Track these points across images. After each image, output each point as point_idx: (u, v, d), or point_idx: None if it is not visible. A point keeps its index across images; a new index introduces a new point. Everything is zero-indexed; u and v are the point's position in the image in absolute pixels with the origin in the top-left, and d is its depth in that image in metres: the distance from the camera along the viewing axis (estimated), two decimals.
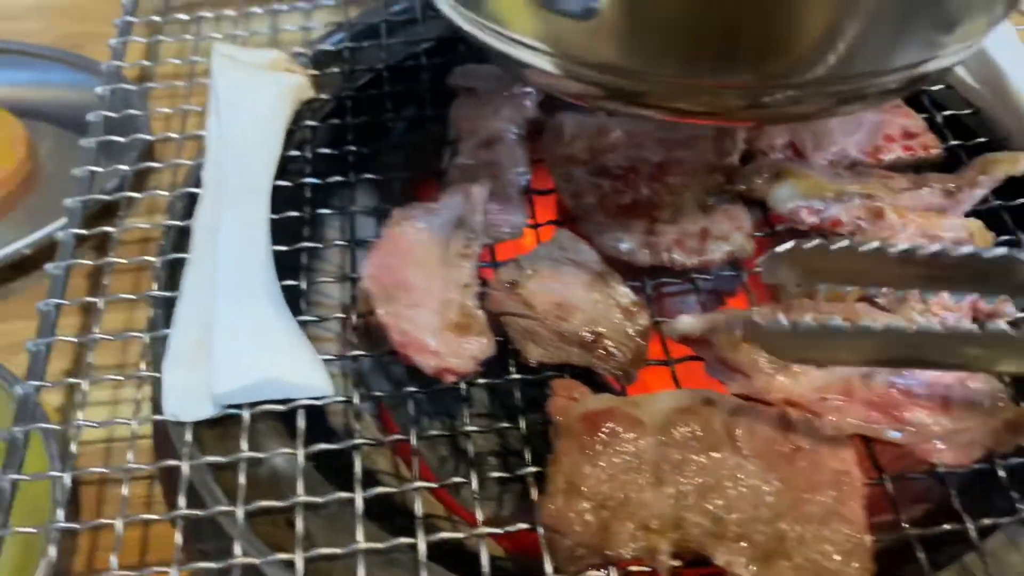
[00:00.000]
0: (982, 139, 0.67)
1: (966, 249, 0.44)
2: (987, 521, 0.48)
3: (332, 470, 0.54)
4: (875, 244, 0.45)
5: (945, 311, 0.54)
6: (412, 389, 0.54)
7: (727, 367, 0.51)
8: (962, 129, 0.68)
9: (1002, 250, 0.44)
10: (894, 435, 0.49)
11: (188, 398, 0.53)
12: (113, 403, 0.66)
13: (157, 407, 0.54)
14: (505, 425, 0.53)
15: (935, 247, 0.44)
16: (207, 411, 0.52)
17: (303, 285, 0.59)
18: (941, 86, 0.71)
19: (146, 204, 0.76)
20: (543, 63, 0.47)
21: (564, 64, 0.47)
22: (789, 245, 0.46)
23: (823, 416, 0.49)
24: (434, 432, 0.54)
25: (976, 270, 0.44)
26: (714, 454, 0.47)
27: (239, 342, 0.52)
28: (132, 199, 0.67)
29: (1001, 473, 0.49)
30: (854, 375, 0.50)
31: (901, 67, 0.47)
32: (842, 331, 0.45)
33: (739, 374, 0.51)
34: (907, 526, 0.48)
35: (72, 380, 0.56)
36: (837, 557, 0.45)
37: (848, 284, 0.47)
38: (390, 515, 0.54)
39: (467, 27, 0.51)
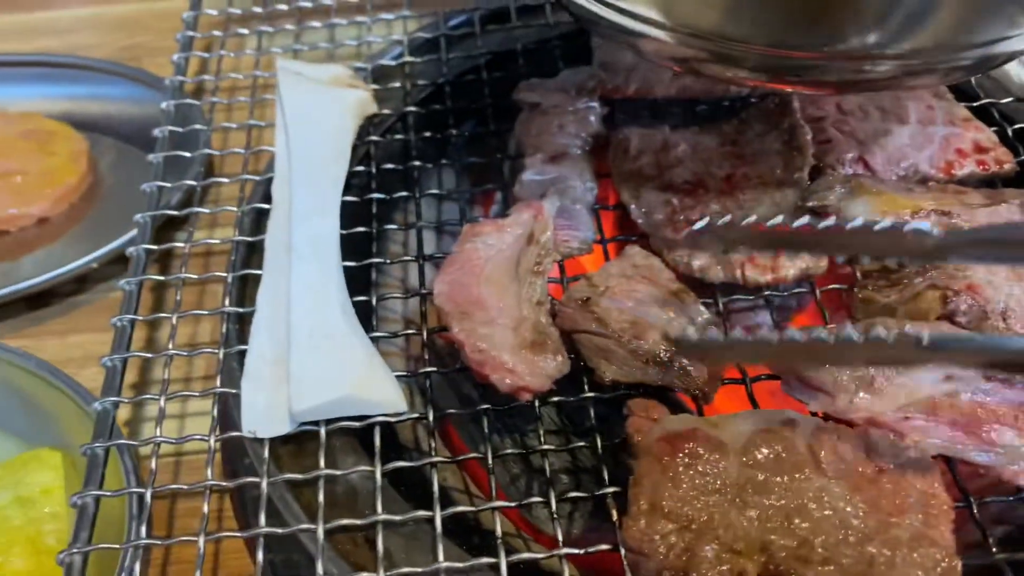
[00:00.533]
0: None
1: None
2: None
3: (405, 485, 0.54)
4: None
5: None
6: (486, 406, 0.54)
7: (808, 386, 0.51)
8: None
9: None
10: (982, 458, 0.48)
11: (266, 414, 0.53)
12: (180, 418, 0.67)
13: (227, 422, 0.55)
14: (580, 444, 0.53)
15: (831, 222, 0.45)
16: (285, 427, 0.52)
17: (373, 301, 0.59)
18: (1010, 99, 0.70)
19: (208, 219, 0.76)
20: (654, 31, 0.50)
21: (673, 32, 0.49)
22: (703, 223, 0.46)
23: (906, 436, 0.49)
24: (509, 450, 0.53)
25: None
26: (798, 476, 0.47)
27: (317, 359, 0.53)
28: (199, 214, 0.67)
29: None
30: (938, 392, 0.49)
31: (976, 44, 0.48)
32: (768, 343, 0.45)
33: (821, 392, 0.50)
34: (995, 549, 0.47)
35: (148, 396, 0.56)
36: None
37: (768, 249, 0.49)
38: (465, 533, 0.54)
39: (597, 9, 0.52)
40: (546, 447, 0.52)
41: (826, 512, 0.46)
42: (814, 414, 0.52)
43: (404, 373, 0.56)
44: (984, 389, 0.49)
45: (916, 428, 0.49)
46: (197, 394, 0.56)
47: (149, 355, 0.58)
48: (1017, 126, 0.68)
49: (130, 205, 0.69)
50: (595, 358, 0.54)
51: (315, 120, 0.66)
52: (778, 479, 0.47)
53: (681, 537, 0.46)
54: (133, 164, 0.83)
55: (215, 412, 0.55)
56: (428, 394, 0.55)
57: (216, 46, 0.81)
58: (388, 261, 0.62)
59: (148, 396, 0.56)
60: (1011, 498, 0.49)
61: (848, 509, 0.46)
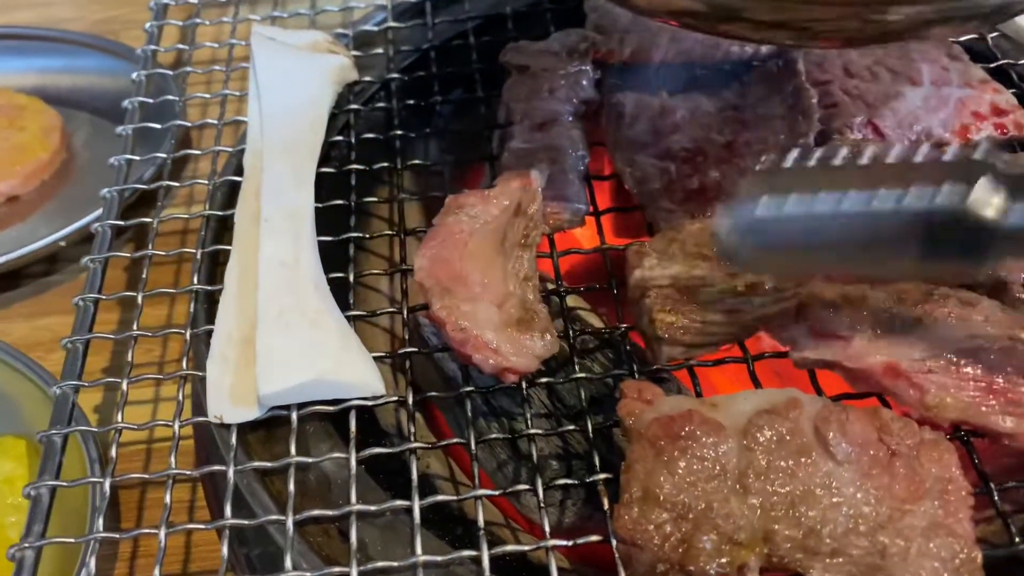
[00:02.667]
0: None
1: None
2: None
3: (384, 473, 0.51)
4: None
5: None
6: (469, 389, 0.50)
7: (820, 335, 0.47)
8: None
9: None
10: (1006, 424, 0.44)
11: (233, 399, 0.49)
12: (154, 403, 0.64)
13: (199, 408, 0.52)
14: (570, 428, 0.49)
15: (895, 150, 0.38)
16: (253, 412, 0.49)
17: (351, 278, 0.55)
18: None
19: (185, 193, 0.73)
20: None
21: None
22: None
23: (926, 393, 0.45)
24: (494, 435, 0.50)
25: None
26: (804, 460, 0.43)
27: (286, 339, 0.49)
28: (171, 188, 0.64)
29: None
30: (965, 346, 0.46)
31: None
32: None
33: (835, 339, 0.47)
34: (1019, 540, 0.43)
35: (110, 379, 0.52)
36: (945, 574, 0.40)
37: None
38: (447, 522, 0.51)
39: None
40: (533, 431, 0.48)
41: (834, 499, 0.42)
42: (820, 393, 0.49)
43: (383, 354, 0.52)
44: (1007, 348, 0.45)
45: (938, 383, 0.45)
46: (162, 377, 0.53)
47: (112, 336, 0.55)
48: None
49: (105, 182, 0.65)
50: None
51: (290, 88, 0.62)
52: (782, 463, 0.43)
53: (677, 527, 0.42)
54: (109, 140, 0.79)
55: (180, 396, 0.51)
56: (408, 376, 0.51)
57: (191, 14, 0.77)
58: (367, 236, 0.58)
59: (109, 380, 0.52)
60: None
61: (858, 495, 0.43)
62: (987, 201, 0.35)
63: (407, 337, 0.53)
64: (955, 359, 0.46)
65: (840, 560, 0.41)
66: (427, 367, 0.60)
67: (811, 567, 0.41)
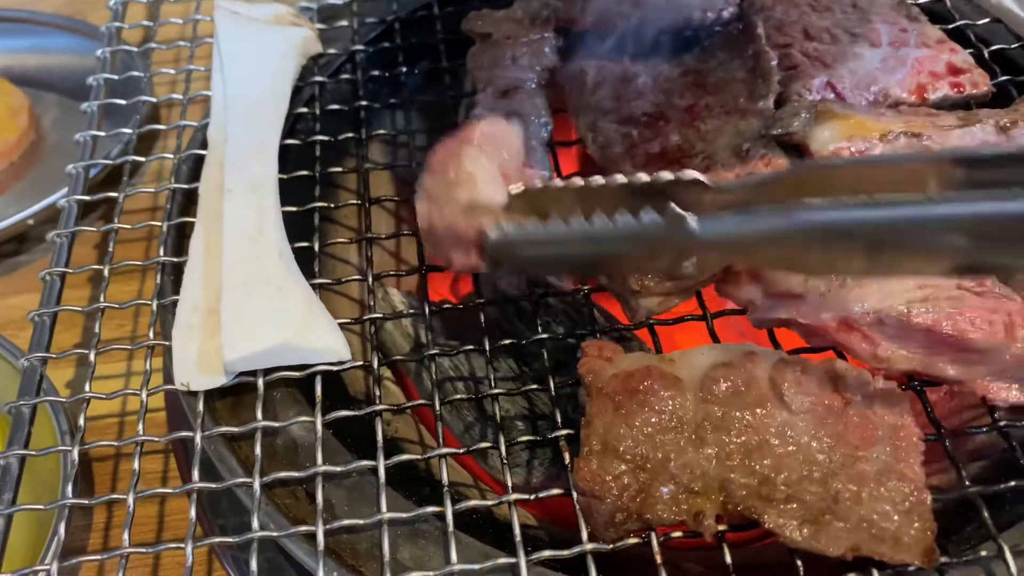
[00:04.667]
0: None
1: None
2: None
3: (353, 438, 0.51)
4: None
5: None
6: (434, 352, 0.51)
7: (775, 295, 0.48)
8: (1011, 64, 0.64)
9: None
10: (954, 370, 0.45)
11: (199, 366, 0.50)
12: (126, 375, 0.64)
13: (170, 378, 0.52)
14: (533, 387, 0.50)
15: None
16: (219, 379, 0.50)
17: (316, 247, 0.56)
18: (986, 20, 0.66)
19: (154, 168, 0.73)
20: None
21: None
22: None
23: (879, 345, 0.46)
24: (458, 396, 0.51)
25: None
26: (759, 410, 0.44)
27: (251, 307, 0.50)
28: (137, 164, 0.64)
29: None
30: (915, 298, 0.47)
31: None
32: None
33: (789, 298, 0.48)
34: (968, 483, 0.44)
35: (78, 351, 0.53)
36: (896, 517, 0.41)
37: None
38: (415, 483, 0.52)
39: None
40: (496, 391, 0.49)
41: (789, 448, 0.43)
42: (778, 348, 0.50)
43: (350, 320, 0.53)
44: (955, 297, 0.46)
45: (889, 336, 0.46)
46: (130, 347, 0.53)
47: (79, 309, 0.55)
48: (994, 47, 0.65)
49: (74, 161, 0.65)
50: None
51: (253, 60, 0.62)
52: (738, 414, 0.44)
53: (635, 477, 0.43)
54: (77, 120, 0.78)
55: (148, 366, 0.52)
56: (372, 341, 0.52)
57: None
58: (333, 206, 0.59)
59: (77, 351, 0.53)
60: (984, 429, 0.46)
61: (813, 444, 0.44)
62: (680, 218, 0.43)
63: (372, 304, 0.53)
64: (906, 310, 0.46)
65: (794, 506, 0.42)
66: (395, 334, 0.61)
67: (765, 513, 0.42)
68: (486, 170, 0.51)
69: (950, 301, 0.47)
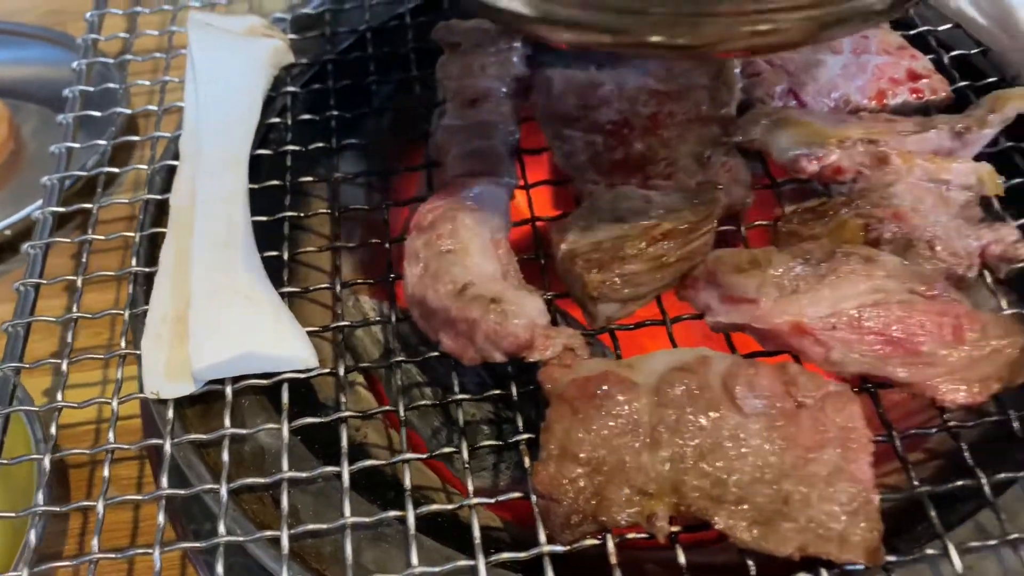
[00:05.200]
0: (992, 79, 0.63)
1: None
2: (1002, 476, 0.45)
3: (321, 444, 0.52)
4: None
5: (952, 256, 0.51)
6: (399, 359, 0.52)
7: (730, 299, 0.49)
8: (971, 69, 0.65)
9: None
10: (904, 373, 0.46)
11: (168, 375, 0.51)
12: (101, 383, 0.65)
13: (142, 385, 0.53)
14: (496, 392, 0.51)
15: None
16: (188, 388, 0.51)
17: (285, 256, 0.57)
18: (948, 26, 0.67)
19: (131, 179, 0.74)
20: (517, 6, 0.44)
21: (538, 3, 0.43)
22: None
23: (831, 349, 0.47)
24: (423, 402, 0.52)
25: None
26: (713, 413, 0.45)
27: (218, 316, 0.51)
28: (112, 175, 0.65)
29: (1016, 425, 0.47)
30: (866, 302, 0.48)
31: None
32: None
33: (743, 303, 0.49)
34: (918, 483, 0.45)
35: (51, 361, 0.54)
36: (844, 517, 0.42)
37: None
38: (381, 488, 0.53)
39: None
40: (460, 397, 0.50)
41: (741, 450, 0.44)
42: (733, 350, 0.51)
43: (318, 328, 0.54)
44: (906, 301, 0.47)
45: (841, 340, 0.47)
46: (101, 357, 0.54)
47: (52, 320, 0.56)
48: (954, 53, 0.66)
49: (52, 172, 0.66)
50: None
51: (225, 72, 0.63)
52: (691, 418, 0.45)
53: (591, 481, 0.44)
54: (57, 130, 0.81)
55: (119, 375, 0.53)
56: (340, 349, 0.53)
57: (133, 2, 0.78)
58: (302, 215, 0.60)
59: (50, 361, 0.54)
60: (934, 429, 0.48)
61: (765, 446, 0.45)
62: None
63: (340, 311, 0.54)
64: (857, 314, 0.47)
65: (745, 507, 0.43)
66: (366, 340, 0.62)
67: (716, 514, 0.43)
68: (479, 239, 0.52)
69: (900, 305, 0.48)
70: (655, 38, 0.42)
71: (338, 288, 0.55)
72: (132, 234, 0.59)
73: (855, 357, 0.47)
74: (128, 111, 0.68)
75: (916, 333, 0.47)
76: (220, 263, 0.53)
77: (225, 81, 0.63)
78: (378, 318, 0.56)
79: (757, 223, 0.57)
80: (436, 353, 0.52)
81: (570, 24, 0.43)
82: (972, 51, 0.66)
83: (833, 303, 0.48)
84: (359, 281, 0.57)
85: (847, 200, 0.53)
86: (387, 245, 0.57)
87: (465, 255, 0.52)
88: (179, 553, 0.57)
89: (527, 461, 0.47)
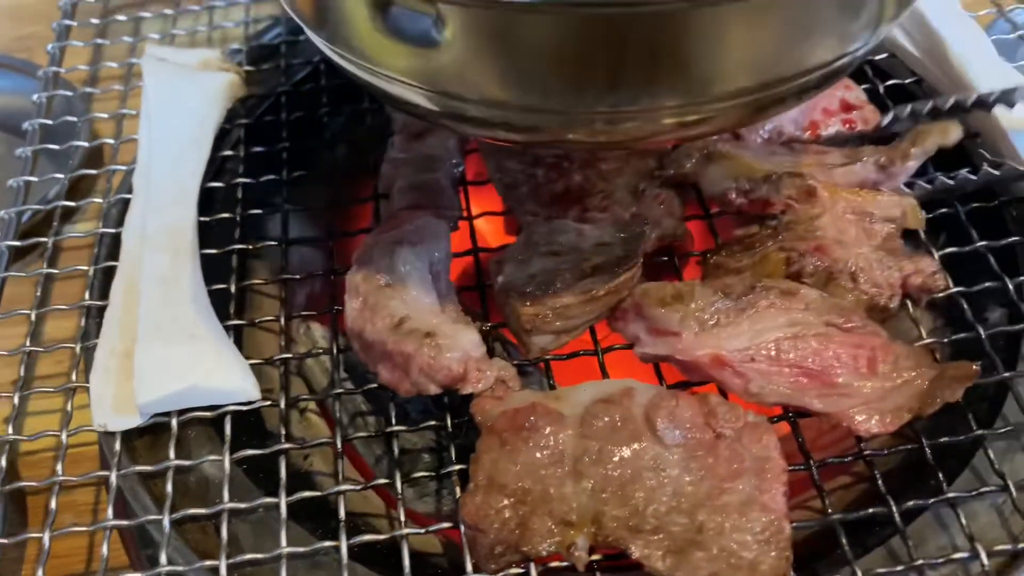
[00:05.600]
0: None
1: None
2: (911, 503, 0.47)
3: (266, 474, 0.54)
4: None
5: (874, 287, 0.53)
6: (339, 391, 0.53)
7: (656, 332, 0.51)
8: (905, 98, 0.67)
9: None
10: (820, 404, 0.48)
11: (116, 407, 0.53)
12: (62, 412, 0.66)
13: None
14: (432, 423, 0.53)
15: None
16: (135, 420, 0.52)
17: (232, 288, 0.58)
18: (884, 55, 0.69)
19: (95, 210, 0.75)
20: (418, 98, 0.43)
21: (439, 99, 0.42)
22: None
23: (750, 381, 0.49)
24: (361, 433, 0.53)
25: None
26: (634, 444, 0.47)
27: (163, 350, 0.52)
28: (70, 208, 0.66)
29: (928, 452, 0.49)
30: (782, 335, 0.50)
31: (814, 67, 0.42)
32: None
33: (668, 335, 0.51)
34: (831, 511, 0.47)
35: (3, 394, 0.55)
36: (755, 546, 0.44)
37: None
38: (324, 517, 0.54)
39: (336, 60, 0.47)
40: (396, 428, 0.52)
41: (660, 480, 0.46)
42: (661, 380, 0.53)
43: (261, 360, 0.56)
44: (823, 334, 0.49)
45: (760, 372, 0.49)
46: (51, 390, 0.56)
47: (5, 353, 0.58)
48: (890, 82, 0.67)
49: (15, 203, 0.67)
50: None
51: (177, 106, 0.65)
52: (613, 449, 0.47)
53: (516, 511, 0.46)
54: (17, 164, 0.82)
55: (69, 407, 0.55)
56: (282, 381, 0.55)
57: (94, 35, 0.79)
58: (251, 247, 0.61)
59: (3, 394, 0.55)
60: (848, 457, 0.49)
61: (683, 476, 0.46)
62: None
63: (283, 343, 0.56)
64: (775, 347, 0.49)
65: (659, 536, 0.45)
66: (315, 369, 0.64)
67: (632, 543, 0.45)
68: (418, 273, 0.54)
69: (817, 338, 0.50)
70: (572, 136, 0.43)
71: (282, 320, 0.57)
72: (84, 267, 0.61)
73: (773, 388, 0.49)
74: (85, 144, 0.70)
75: (832, 365, 0.49)
76: (166, 299, 0.55)
77: (177, 115, 0.64)
78: (317, 350, 0.57)
79: (689, 254, 0.59)
80: (375, 385, 0.53)
81: (481, 122, 0.43)
82: (907, 80, 0.68)
83: (752, 336, 0.50)
84: (304, 313, 0.59)
85: (773, 232, 0.55)
86: (332, 277, 0.59)
87: (403, 288, 0.53)
88: None
89: (459, 492, 0.49)
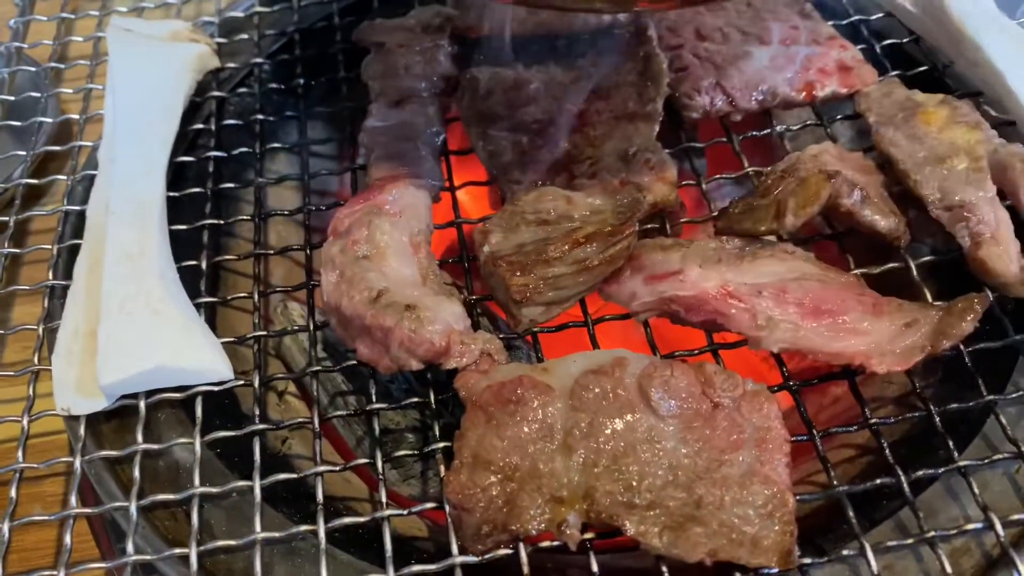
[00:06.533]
0: (923, 67, 0.63)
1: None
2: (920, 473, 0.44)
3: (241, 458, 0.51)
4: None
5: None
6: (317, 368, 0.51)
7: (656, 278, 0.49)
8: (904, 58, 0.64)
9: None
10: (827, 344, 0.46)
11: (80, 390, 0.50)
12: (28, 399, 0.64)
13: None
14: (414, 401, 0.50)
15: None
16: (100, 403, 0.50)
17: (203, 265, 0.55)
18: (880, 15, 0.67)
19: (61, 190, 0.72)
20: None
21: None
22: None
23: (757, 315, 0.47)
24: (340, 413, 0.51)
25: None
26: (627, 416, 0.44)
27: (128, 329, 0.49)
28: (34, 186, 0.64)
29: (937, 420, 0.46)
30: (788, 277, 0.48)
31: None
32: None
33: (669, 276, 0.49)
34: (837, 483, 0.44)
35: None
36: (756, 520, 0.42)
37: None
38: (303, 501, 0.52)
39: None
40: (377, 406, 0.49)
41: (655, 453, 0.44)
42: (655, 351, 0.50)
43: (232, 339, 0.53)
44: (825, 281, 0.48)
45: (767, 306, 0.47)
46: (12, 374, 0.53)
47: None
48: (887, 42, 0.65)
49: None
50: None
51: (144, 78, 0.62)
52: (605, 421, 0.44)
53: (503, 489, 0.43)
54: None
55: (31, 392, 0.52)
56: (258, 358, 0.52)
57: (60, 8, 0.76)
58: (223, 222, 0.58)
59: None
60: (853, 427, 0.47)
61: (679, 449, 0.44)
62: None
63: (257, 321, 0.53)
64: (782, 286, 0.48)
65: (655, 512, 0.42)
66: (293, 348, 0.61)
67: (627, 520, 0.42)
68: (397, 244, 0.51)
69: (821, 283, 0.48)
70: None
71: (256, 297, 0.54)
72: (47, 247, 0.58)
73: (782, 322, 0.46)
74: (49, 120, 0.67)
75: (838, 306, 0.47)
76: (131, 275, 0.52)
77: (144, 86, 0.61)
78: (294, 327, 0.55)
79: (683, 221, 0.56)
80: (354, 362, 0.51)
81: None
82: (904, 40, 0.65)
83: (756, 276, 0.48)
84: (278, 288, 0.56)
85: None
86: (308, 252, 0.56)
87: (381, 260, 0.51)
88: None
89: (443, 470, 0.46)
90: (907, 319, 0.46)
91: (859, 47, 0.63)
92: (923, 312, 0.46)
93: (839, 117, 0.61)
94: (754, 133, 0.61)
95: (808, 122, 0.61)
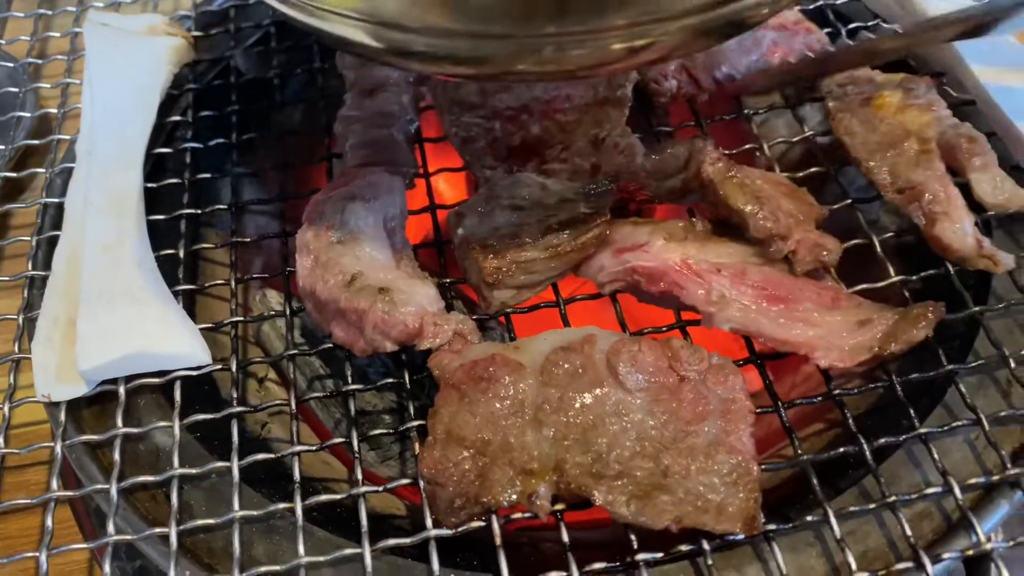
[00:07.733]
0: None
1: None
2: (883, 440, 0.46)
3: (220, 441, 0.52)
4: None
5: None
6: (293, 352, 0.52)
7: (624, 250, 0.50)
8: None
9: None
10: (776, 330, 0.47)
11: (60, 377, 0.51)
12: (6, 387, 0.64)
13: None
14: (389, 382, 0.51)
15: None
16: (80, 389, 0.50)
17: (181, 253, 0.56)
18: None
19: (41, 184, 0.73)
20: (360, 35, 0.41)
21: (380, 33, 0.40)
22: None
23: (712, 292, 0.48)
24: (316, 394, 0.52)
25: None
26: (596, 391, 0.45)
27: (106, 316, 0.50)
28: (13, 181, 0.64)
29: (899, 390, 0.47)
30: (750, 261, 0.49)
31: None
32: None
33: (635, 248, 0.50)
34: (800, 453, 0.46)
35: None
36: (722, 488, 0.43)
37: None
38: (282, 481, 0.52)
39: (274, 3, 0.44)
40: (352, 388, 0.50)
41: (623, 425, 0.45)
42: (624, 329, 0.51)
43: (210, 325, 0.54)
44: (786, 270, 0.49)
45: (724, 285, 0.49)
46: None
47: None
48: (852, 26, 0.66)
49: None
50: None
51: (120, 71, 0.62)
52: (574, 396, 0.45)
53: (475, 463, 0.44)
54: None
55: (12, 380, 0.53)
56: (235, 343, 0.53)
57: (36, 3, 0.77)
58: (200, 211, 0.59)
59: None
60: (817, 398, 0.48)
61: (647, 421, 0.45)
62: None
63: (234, 307, 0.54)
64: (742, 267, 0.49)
65: (623, 482, 0.43)
66: (271, 334, 0.62)
67: (595, 490, 0.43)
68: (371, 228, 0.52)
69: (781, 272, 0.49)
70: (521, 66, 0.41)
71: (232, 284, 0.55)
72: (26, 238, 0.59)
73: (735, 302, 0.48)
74: (27, 115, 0.68)
75: (795, 295, 0.48)
76: (109, 265, 0.52)
77: (120, 79, 0.62)
78: (270, 312, 0.56)
79: (650, 201, 0.57)
80: (330, 345, 0.52)
81: (426, 57, 0.41)
82: (869, 23, 0.66)
83: (718, 255, 0.50)
84: (255, 276, 0.57)
85: None
86: (284, 239, 0.57)
87: (356, 244, 0.52)
88: (86, 554, 0.57)
89: (417, 448, 0.47)
90: (862, 317, 0.48)
91: (825, 31, 0.64)
92: (880, 313, 0.47)
93: (807, 100, 0.62)
94: (723, 116, 0.62)
95: (776, 105, 0.62)
